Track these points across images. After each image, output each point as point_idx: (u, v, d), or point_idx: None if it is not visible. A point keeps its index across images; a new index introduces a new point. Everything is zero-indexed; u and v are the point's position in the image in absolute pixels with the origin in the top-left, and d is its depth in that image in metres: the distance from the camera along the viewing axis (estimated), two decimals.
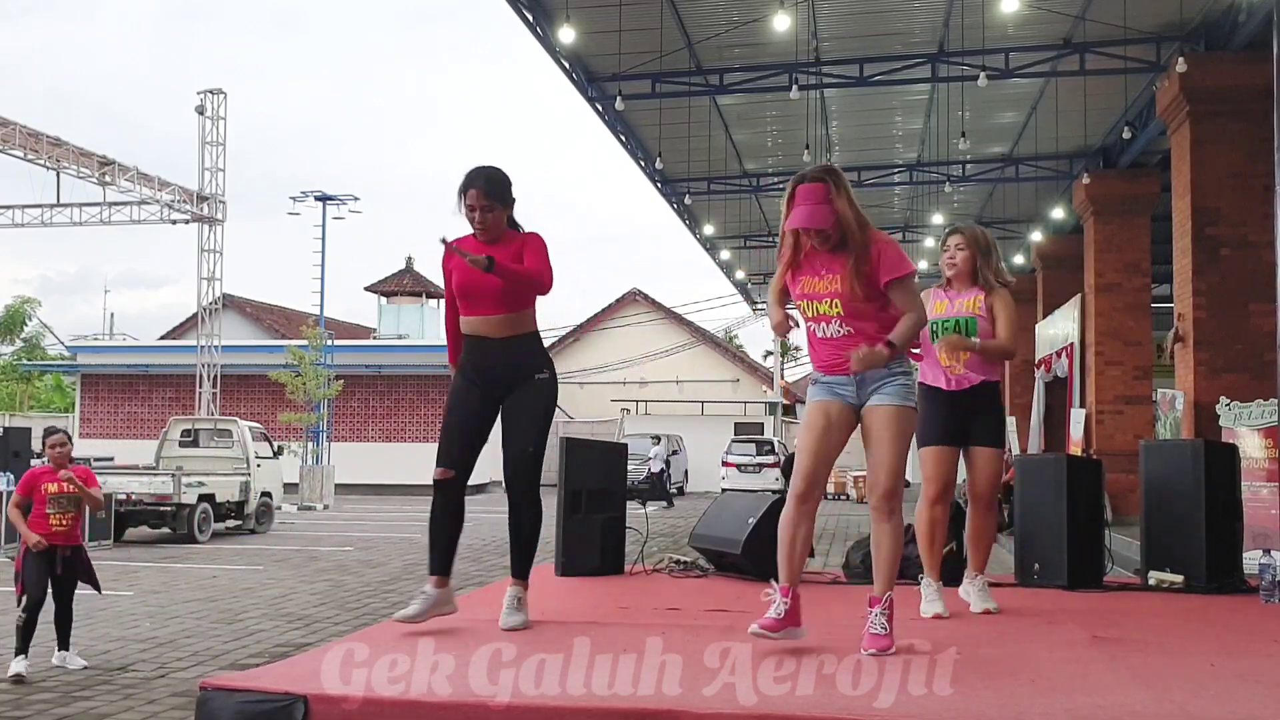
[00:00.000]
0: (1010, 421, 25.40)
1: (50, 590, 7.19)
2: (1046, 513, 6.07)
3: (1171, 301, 14.42)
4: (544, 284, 4.51)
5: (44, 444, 7.50)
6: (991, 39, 13.84)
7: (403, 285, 36.69)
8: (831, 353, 4.26)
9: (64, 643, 7.37)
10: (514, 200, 4.59)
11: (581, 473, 6.37)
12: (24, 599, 7.08)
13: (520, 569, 4.69)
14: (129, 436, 30.86)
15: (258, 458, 18.58)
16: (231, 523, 17.89)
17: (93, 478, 7.50)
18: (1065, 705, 3.41)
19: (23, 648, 7.07)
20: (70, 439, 7.59)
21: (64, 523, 7.18)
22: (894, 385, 4.21)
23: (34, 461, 17.12)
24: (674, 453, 31.99)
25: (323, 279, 29.92)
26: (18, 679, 6.89)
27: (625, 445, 7.26)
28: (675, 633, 4.45)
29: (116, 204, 24.34)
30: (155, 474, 16.90)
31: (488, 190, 4.47)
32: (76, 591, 7.37)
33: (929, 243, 24.50)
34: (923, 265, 27.64)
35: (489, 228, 4.50)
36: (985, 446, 5.25)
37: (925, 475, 5.24)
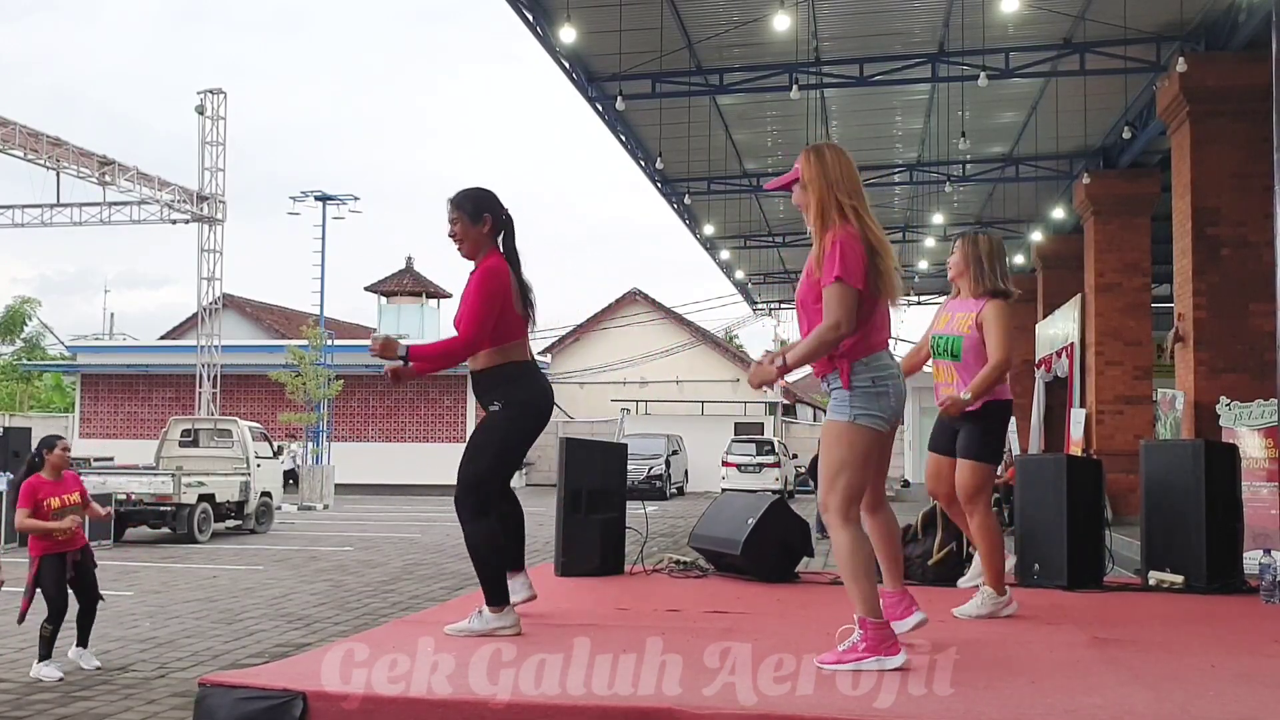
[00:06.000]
0: (1010, 421, 25.35)
1: (72, 594, 7.31)
2: (1046, 513, 6.07)
3: (1171, 301, 14.41)
4: (455, 353, 4.46)
5: (52, 447, 7.47)
6: (991, 39, 13.84)
7: (403, 285, 36.68)
8: None
9: (83, 640, 7.45)
10: (488, 217, 4.55)
11: (581, 473, 6.36)
12: (47, 609, 7.15)
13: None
14: (129, 436, 30.87)
15: (258, 458, 18.59)
16: (231, 523, 17.89)
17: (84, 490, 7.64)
18: (1065, 705, 3.41)
19: (47, 654, 7.17)
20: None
21: (66, 533, 7.27)
22: (832, 400, 4.04)
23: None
24: (674, 452, 31.98)
25: (323, 279, 29.95)
26: (60, 681, 7.02)
27: (625, 445, 7.25)
28: (675, 633, 4.44)
29: (116, 204, 24.37)
30: (155, 474, 16.88)
31: (453, 202, 4.58)
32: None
33: (929, 243, 24.50)
34: (923, 265, 27.68)
35: (459, 241, 4.58)
36: (958, 457, 5.21)
37: None
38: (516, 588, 4.69)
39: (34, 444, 18.39)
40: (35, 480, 7.32)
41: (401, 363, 4.37)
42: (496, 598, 4.46)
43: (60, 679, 7.02)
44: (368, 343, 4.41)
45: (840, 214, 3.98)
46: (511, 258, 4.59)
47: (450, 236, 4.58)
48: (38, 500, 7.23)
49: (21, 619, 7.21)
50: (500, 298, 4.43)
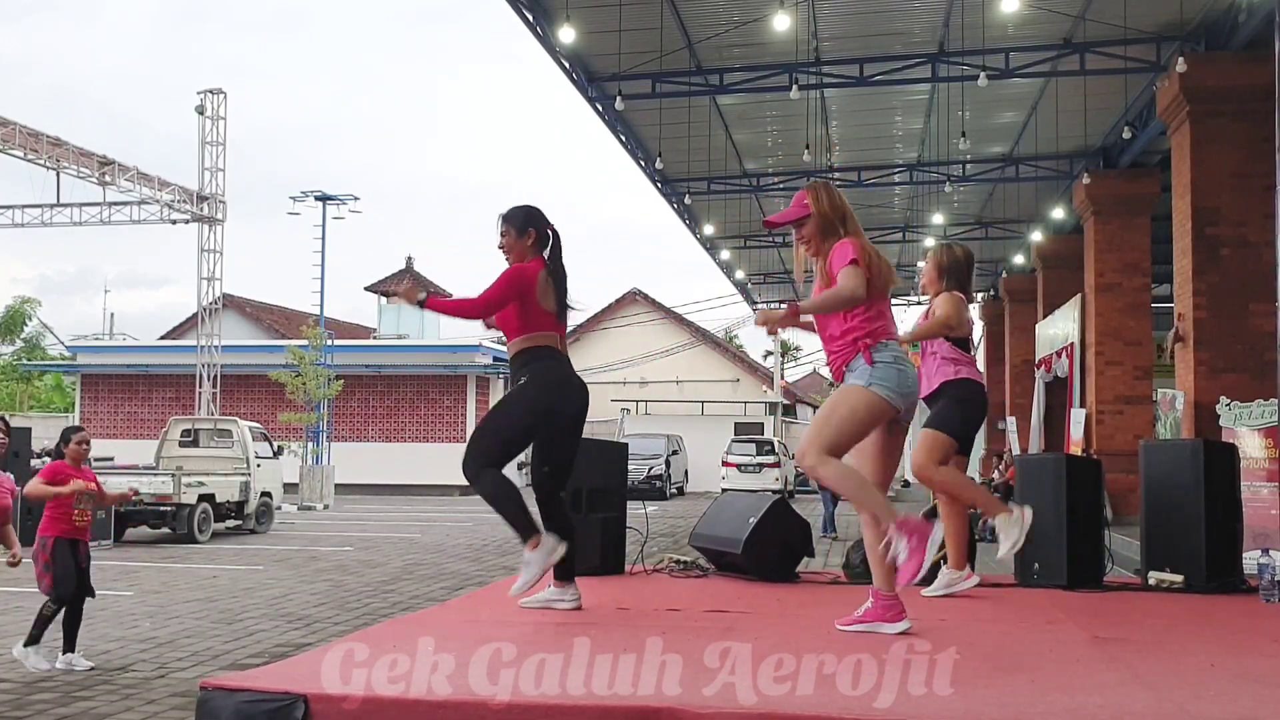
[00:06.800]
0: (1010, 421, 25.36)
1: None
2: (1046, 513, 6.06)
3: (1171, 301, 14.42)
4: (466, 310, 5.07)
5: (68, 440, 7.51)
6: (991, 39, 13.84)
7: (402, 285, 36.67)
8: (828, 354, 4.47)
9: (71, 645, 7.39)
10: (533, 231, 5.00)
11: (582, 472, 6.35)
12: (53, 592, 7.16)
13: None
14: (129, 436, 30.86)
15: (258, 458, 18.59)
16: (231, 523, 17.89)
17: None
18: (1065, 705, 3.41)
19: (38, 637, 7.17)
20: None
21: (85, 519, 7.33)
22: (851, 372, 4.30)
23: (34, 462, 17.13)
24: (674, 452, 31.98)
25: (322, 279, 29.92)
26: (49, 672, 7.03)
27: (625, 445, 7.24)
28: (675, 633, 4.44)
29: (116, 204, 24.35)
30: (155, 474, 16.88)
31: (504, 217, 5.10)
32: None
33: (929, 242, 24.51)
34: (922, 265, 27.70)
35: (507, 252, 5.05)
36: (924, 428, 5.41)
37: None
38: (567, 597, 5.05)
39: (34, 444, 18.35)
40: (60, 464, 7.39)
41: (419, 306, 4.92)
42: (525, 532, 4.78)
43: (49, 669, 7.06)
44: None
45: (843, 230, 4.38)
46: (556, 265, 5.01)
47: (500, 248, 5.04)
48: (61, 477, 7.24)
49: (49, 592, 7.20)
50: (517, 287, 4.86)
